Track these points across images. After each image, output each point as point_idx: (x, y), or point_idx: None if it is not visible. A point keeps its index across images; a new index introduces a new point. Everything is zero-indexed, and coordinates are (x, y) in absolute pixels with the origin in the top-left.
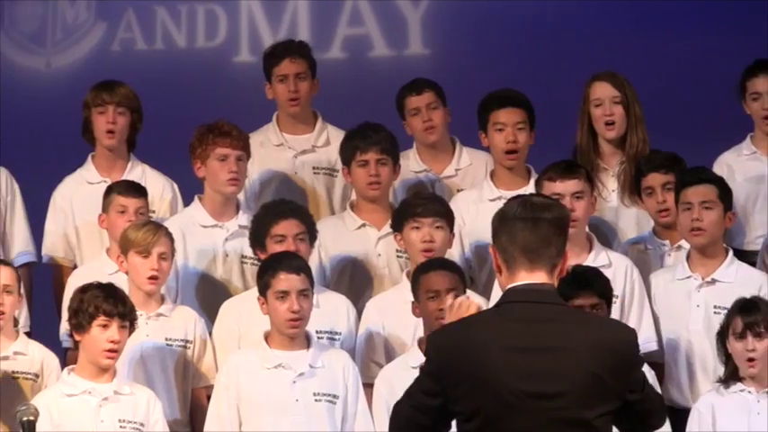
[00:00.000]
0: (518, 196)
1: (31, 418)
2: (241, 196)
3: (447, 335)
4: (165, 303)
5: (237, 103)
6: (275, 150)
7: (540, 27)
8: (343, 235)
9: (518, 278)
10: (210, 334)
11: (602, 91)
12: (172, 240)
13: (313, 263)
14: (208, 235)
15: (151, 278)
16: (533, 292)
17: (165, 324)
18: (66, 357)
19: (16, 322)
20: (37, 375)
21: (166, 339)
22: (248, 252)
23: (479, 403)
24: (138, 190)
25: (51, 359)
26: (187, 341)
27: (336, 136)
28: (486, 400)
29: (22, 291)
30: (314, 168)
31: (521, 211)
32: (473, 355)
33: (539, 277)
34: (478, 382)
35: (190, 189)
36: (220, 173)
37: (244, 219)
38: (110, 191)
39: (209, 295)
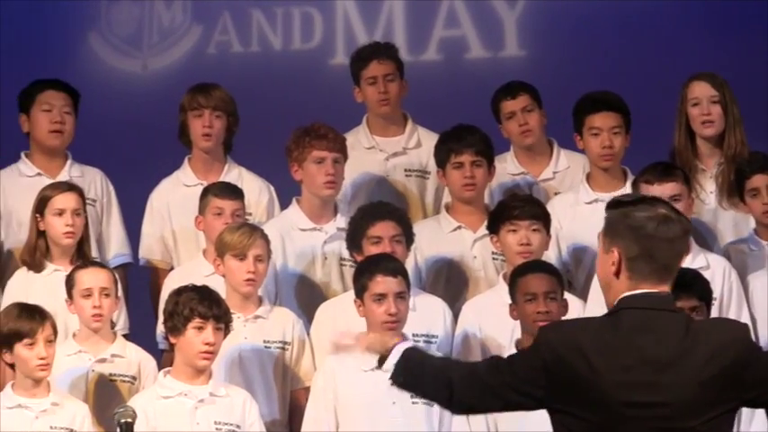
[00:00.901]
0: (642, 198)
1: (129, 419)
2: (338, 199)
3: (561, 333)
4: (263, 305)
5: (333, 106)
6: (366, 153)
7: (636, 27)
8: (438, 237)
9: (640, 287)
10: (309, 336)
11: (701, 90)
12: (268, 242)
13: (409, 265)
14: (307, 238)
15: (248, 281)
16: (651, 299)
17: (264, 326)
18: (163, 359)
19: (113, 324)
20: (134, 378)
21: (264, 341)
22: (347, 254)
23: (586, 408)
24: (234, 192)
25: (148, 361)
26: (285, 343)
27: (427, 137)
28: (594, 407)
29: (120, 293)
30: (406, 170)
31: (661, 228)
32: (583, 358)
33: (661, 288)
34: (585, 387)
35: (286, 191)
36: (317, 175)
37: (342, 221)
38: (206, 193)
39: (308, 298)
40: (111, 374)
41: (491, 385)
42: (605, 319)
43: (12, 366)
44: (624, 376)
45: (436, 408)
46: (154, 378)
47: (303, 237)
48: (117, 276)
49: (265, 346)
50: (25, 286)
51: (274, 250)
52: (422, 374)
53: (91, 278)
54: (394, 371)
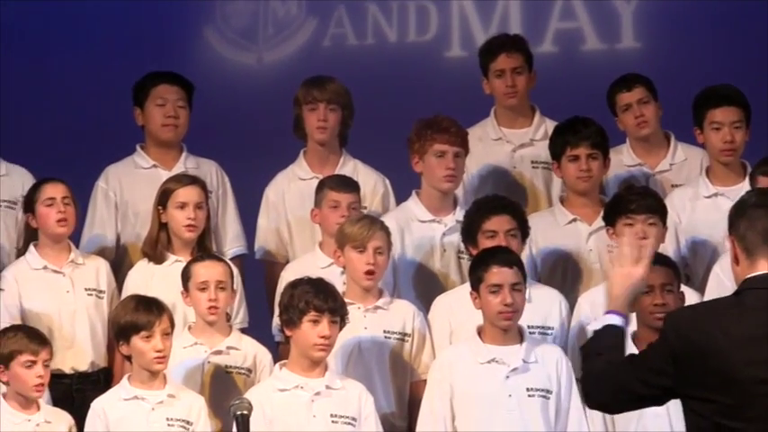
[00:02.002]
0: (759, 191)
1: (245, 412)
2: (459, 191)
3: (687, 318)
4: (384, 296)
5: (449, 98)
6: (493, 145)
7: (753, 21)
8: (553, 229)
9: (758, 267)
10: (429, 328)
11: None
12: (388, 234)
13: (524, 257)
14: (426, 229)
15: (368, 272)
16: None
17: (384, 317)
18: (279, 352)
19: (229, 317)
20: (250, 370)
21: (385, 332)
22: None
23: (716, 389)
24: (350, 185)
25: (264, 354)
26: (405, 334)
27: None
28: (723, 387)
29: (236, 286)
30: (532, 162)
31: (759, 198)
32: (712, 340)
33: None
34: (716, 369)
35: (401, 184)
36: (437, 169)
37: (461, 214)
38: (322, 186)
39: (426, 289)
40: (226, 367)
41: (622, 382)
42: (730, 300)
43: (128, 358)
44: (753, 354)
45: (553, 401)
46: (269, 371)
47: (422, 228)
48: (234, 269)
49: (385, 337)
50: (146, 278)
51: (393, 242)
52: (584, 361)
53: (207, 271)
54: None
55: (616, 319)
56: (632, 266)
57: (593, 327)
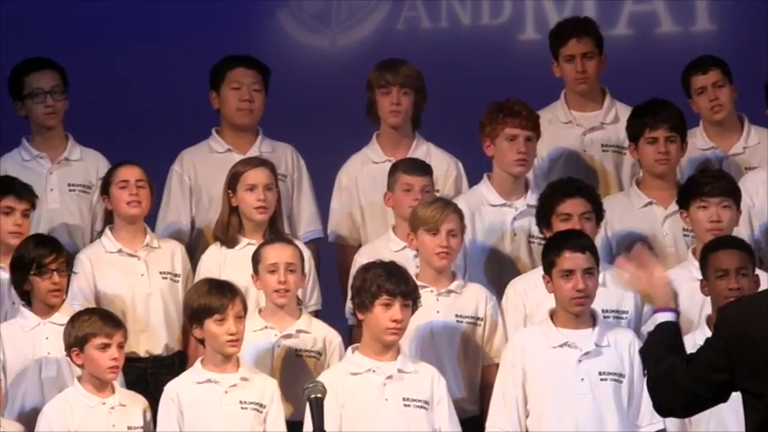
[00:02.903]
0: None
1: (319, 395)
2: (530, 175)
3: (739, 310)
4: (457, 280)
5: (522, 82)
6: (564, 128)
7: None
8: (629, 212)
9: None
10: (501, 312)
11: None
12: (461, 217)
13: (598, 240)
14: (497, 213)
15: (441, 254)
16: None
17: (456, 301)
18: (352, 335)
19: (300, 301)
20: (320, 353)
21: (457, 316)
22: (536, 231)
23: None
24: (423, 168)
25: (334, 337)
26: (477, 318)
27: (625, 112)
28: None
29: (308, 269)
30: (603, 146)
31: None
32: (763, 333)
33: None
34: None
35: (474, 167)
36: (509, 153)
37: (532, 198)
38: (395, 169)
39: (496, 274)
40: (296, 350)
41: (683, 385)
42: None
43: (202, 342)
44: None
45: (625, 385)
46: (339, 354)
47: (493, 212)
48: (306, 252)
49: (457, 321)
50: (218, 261)
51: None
52: (645, 367)
53: (276, 254)
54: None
55: (667, 316)
56: (647, 271)
57: (646, 329)
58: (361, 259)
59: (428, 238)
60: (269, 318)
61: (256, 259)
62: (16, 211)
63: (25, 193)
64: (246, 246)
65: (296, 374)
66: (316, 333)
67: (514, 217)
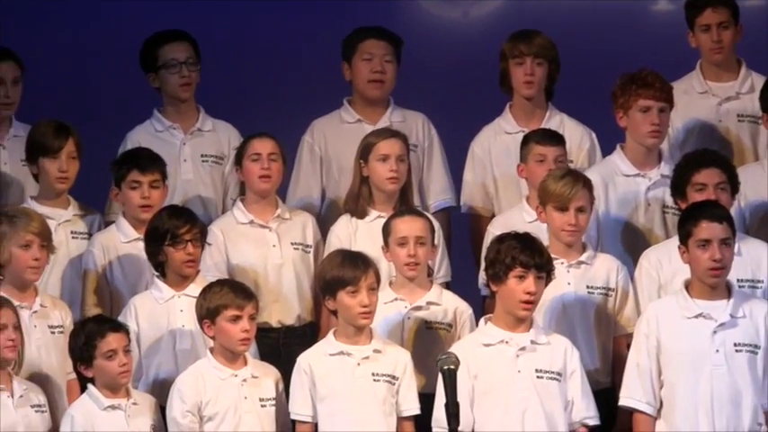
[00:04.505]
0: None
1: (452, 366)
2: (664, 145)
3: None
4: (587, 251)
5: (655, 52)
6: (699, 98)
7: None
8: (762, 182)
9: None
10: (632, 282)
11: None
12: (590, 190)
13: (732, 209)
14: (630, 184)
15: (569, 232)
16: None
17: (587, 272)
18: (485, 306)
19: (431, 272)
20: (450, 325)
21: (588, 287)
22: (670, 201)
23: None
24: (556, 138)
25: (465, 309)
26: (609, 289)
27: (761, 82)
28: None
29: (438, 241)
30: (738, 116)
31: None
32: None
33: None
34: None
35: (608, 138)
36: (642, 124)
37: (666, 168)
38: (528, 140)
39: (630, 244)
40: (427, 322)
41: None
42: None
43: (335, 313)
44: None
45: (761, 356)
46: (469, 326)
47: (627, 183)
48: (436, 223)
49: (588, 292)
50: (348, 233)
51: (597, 197)
52: None
53: (407, 226)
54: None
55: None
56: None
57: None
58: (494, 230)
59: (557, 215)
60: (399, 290)
61: (386, 231)
62: (143, 184)
63: (149, 166)
64: (377, 218)
65: (426, 347)
66: (446, 305)
67: (648, 187)
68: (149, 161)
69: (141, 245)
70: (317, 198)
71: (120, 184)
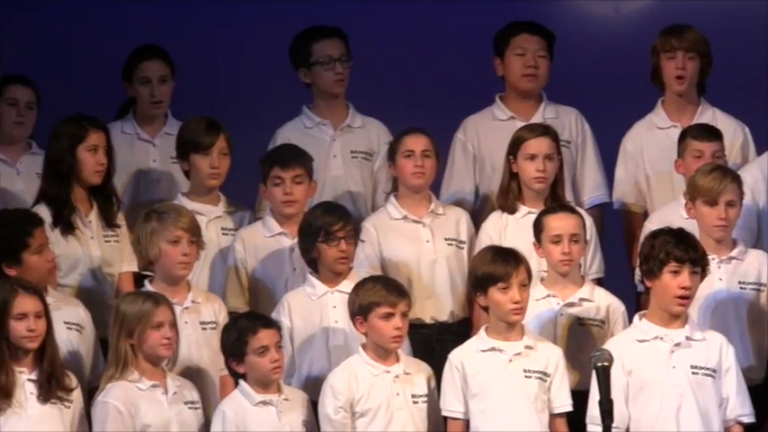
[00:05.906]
0: None
1: (606, 363)
2: None
3: None
4: (738, 246)
5: None
6: None
7: None
8: None
9: None
10: None
11: None
12: (740, 184)
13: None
14: None
15: (719, 227)
16: None
17: (738, 267)
18: (640, 302)
19: (580, 267)
20: (603, 322)
21: (740, 283)
22: None
23: None
24: (713, 133)
25: (617, 305)
26: (761, 284)
27: None
28: None
29: (589, 236)
30: None
31: None
32: None
33: None
34: None
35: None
36: None
37: None
38: (684, 135)
39: None
40: (579, 318)
41: None
42: None
43: (486, 309)
44: None
45: None
46: (622, 322)
47: None
48: (588, 219)
49: (740, 288)
50: (499, 229)
51: (755, 191)
52: None
53: (560, 224)
54: None
55: None
56: None
57: None
58: (651, 226)
59: (706, 210)
60: (551, 286)
61: (539, 228)
62: (285, 180)
63: (290, 161)
64: (527, 214)
65: (579, 343)
66: (599, 301)
67: None
68: (290, 157)
69: (284, 239)
70: (471, 194)
71: (266, 181)
